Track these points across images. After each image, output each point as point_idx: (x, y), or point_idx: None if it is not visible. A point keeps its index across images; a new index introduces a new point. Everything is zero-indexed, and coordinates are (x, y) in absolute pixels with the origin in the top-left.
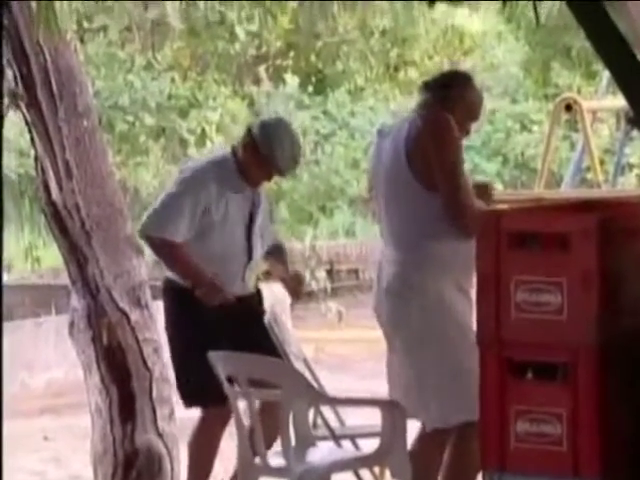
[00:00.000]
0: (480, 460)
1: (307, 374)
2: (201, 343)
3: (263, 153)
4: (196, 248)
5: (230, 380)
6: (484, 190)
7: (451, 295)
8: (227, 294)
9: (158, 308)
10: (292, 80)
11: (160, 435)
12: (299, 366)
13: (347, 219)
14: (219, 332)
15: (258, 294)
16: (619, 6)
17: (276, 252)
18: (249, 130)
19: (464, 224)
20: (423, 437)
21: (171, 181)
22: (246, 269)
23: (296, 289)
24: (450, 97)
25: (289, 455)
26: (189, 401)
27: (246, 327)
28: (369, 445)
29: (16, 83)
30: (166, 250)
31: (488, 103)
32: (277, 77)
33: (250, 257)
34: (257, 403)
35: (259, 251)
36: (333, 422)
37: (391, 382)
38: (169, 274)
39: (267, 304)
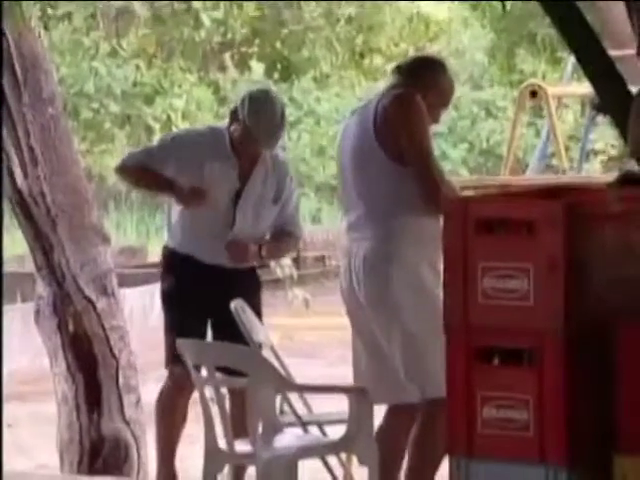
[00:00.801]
0: (447, 445)
1: (274, 361)
2: (187, 307)
3: (242, 123)
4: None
5: (197, 367)
6: None
7: (425, 270)
8: (206, 194)
9: (124, 296)
10: (257, 67)
11: (127, 423)
12: (266, 353)
13: (313, 206)
14: (208, 301)
15: (253, 271)
16: None
17: (277, 235)
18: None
19: (437, 198)
20: (392, 419)
21: None
22: (226, 238)
23: (234, 253)
24: (423, 82)
25: (256, 441)
26: (168, 361)
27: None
28: (336, 432)
29: None
30: (142, 174)
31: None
32: (242, 64)
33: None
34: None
35: (249, 226)
36: (300, 409)
37: (358, 370)
38: (168, 242)
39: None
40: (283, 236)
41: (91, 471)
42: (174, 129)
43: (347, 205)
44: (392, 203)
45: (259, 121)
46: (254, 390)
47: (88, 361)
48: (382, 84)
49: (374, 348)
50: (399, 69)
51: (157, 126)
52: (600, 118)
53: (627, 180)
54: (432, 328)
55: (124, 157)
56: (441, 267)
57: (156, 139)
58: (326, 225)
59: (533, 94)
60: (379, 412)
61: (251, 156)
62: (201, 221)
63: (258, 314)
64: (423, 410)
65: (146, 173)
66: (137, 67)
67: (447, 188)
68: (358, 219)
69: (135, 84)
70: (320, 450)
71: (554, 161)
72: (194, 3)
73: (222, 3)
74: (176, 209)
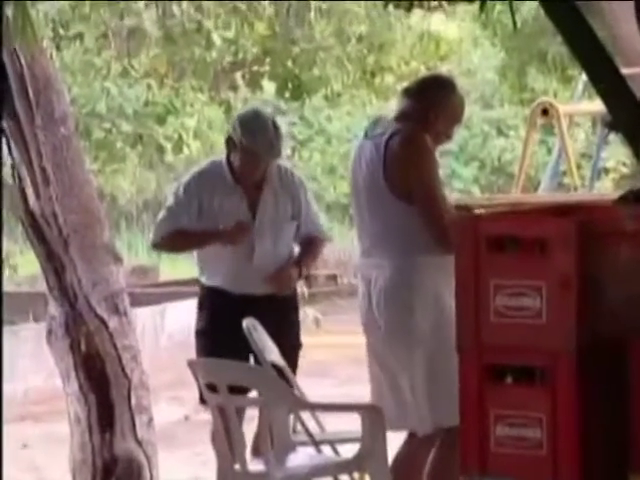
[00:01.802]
0: (460, 464)
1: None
2: (226, 339)
3: (240, 145)
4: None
5: (211, 387)
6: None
7: (447, 299)
8: (248, 225)
9: (136, 315)
10: (269, 86)
11: (139, 443)
12: (278, 373)
13: (325, 225)
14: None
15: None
16: (596, 10)
17: (308, 244)
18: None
19: (446, 240)
20: (410, 446)
21: (150, 188)
22: (250, 268)
23: (280, 284)
24: (433, 103)
25: (269, 461)
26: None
27: (272, 326)
28: (349, 450)
29: None
30: (178, 240)
31: (465, 108)
32: (254, 83)
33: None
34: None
35: (269, 249)
36: (313, 428)
37: (378, 397)
38: (200, 278)
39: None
40: (312, 244)
41: None
42: (185, 149)
43: (360, 228)
44: (406, 237)
45: (255, 136)
46: (267, 409)
47: (100, 381)
48: (393, 103)
49: (391, 375)
50: (408, 92)
51: (169, 145)
52: (612, 136)
53: (633, 198)
54: (453, 357)
55: (153, 234)
56: None
57: (169, 196)
58: (338, 244)
59: (544, 112)
60: (392, 432)
61: (256, 181)
62: (223, 254)
63: (295, 335)
64: (441, 438)
65: (181, 237)
66: (148, 87)
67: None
68: (373, 245)
69: (147, 104)
70: (333, 469)
71: (566, 179)
72: (205, 23)
73: (233, 23)
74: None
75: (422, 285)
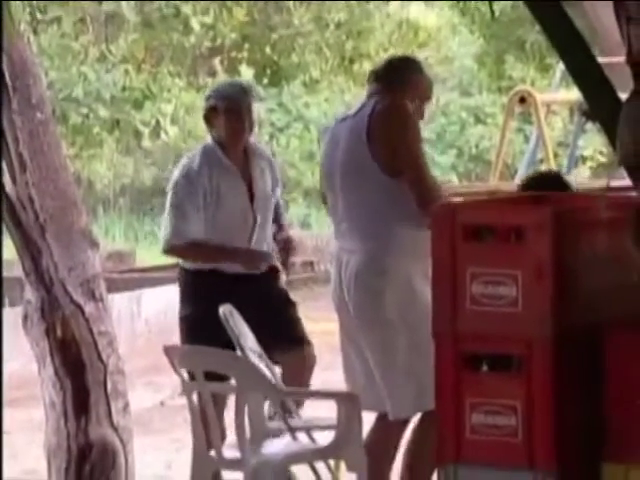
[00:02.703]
0: (436, 452)
1: (263, 367)
2: (211, 322)
3: (218, 106)
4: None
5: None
6: None
7: (419, 283)
8: (269, 256)
9: (113, 300)
10: (247, 72)
11: (115, 429)
12: (255, 359)
13: (302, 211)
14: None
15: (272, 271)
16: (575, 3)
17: (278, 217)
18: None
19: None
20: (381, 427)
21: (127, 174)
22: (252, 242)
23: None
24: (402, 83)
25: (244, 448)
26: None
27: (257, 307)
28: (325, 437)
29: None
30: (194, 250)
31: (443, 96)
32: (232, 69)
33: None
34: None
35: (263, 225)
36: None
37: (350, 375)
38: (181, 263)
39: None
40: (281, 214)
41: (79, 477)
42: (162, 134)
43: (334, 212)
44: (383, 215)
45: (230, 90)
46: (242, 396)
47: (76, 366)
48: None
49: (363, 359)
50: (376, 75)
51: (146, 131)
52: (589, 125)
53: (534, 184)
54: (425, 342)
55: (164, 239)
56: None
57: (168, 192)
58: (315, 230)
59: (522, 100)
60: (368, 418)
61: (242, 151)
62: (222, 233)
63: (288, 299)
64: (416, 421)
65: (195, 251)
66: (126, 72)
67: (441, 197)
68: (348, 228)
69: (124, 89)
70: (308, 456)
71: (543, 167)
72: (184, 8)
73: (212, 8)
74: None
75: (393, 270)
